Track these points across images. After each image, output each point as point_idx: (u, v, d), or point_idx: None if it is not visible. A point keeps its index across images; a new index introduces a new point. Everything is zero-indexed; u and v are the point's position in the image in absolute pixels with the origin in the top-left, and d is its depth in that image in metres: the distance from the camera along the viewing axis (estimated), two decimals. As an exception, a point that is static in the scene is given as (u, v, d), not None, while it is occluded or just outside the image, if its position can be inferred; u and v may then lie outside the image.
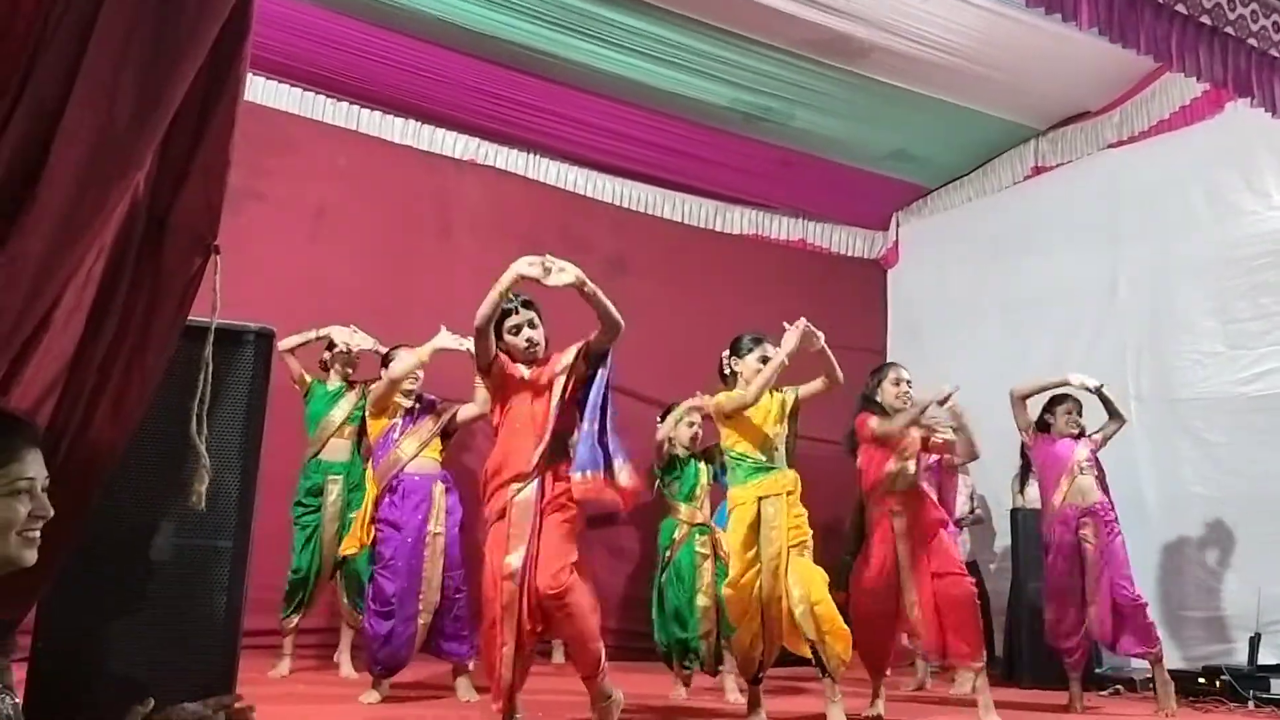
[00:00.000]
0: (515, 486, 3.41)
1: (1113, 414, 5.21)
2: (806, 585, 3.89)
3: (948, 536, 4.63)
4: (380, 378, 4.71)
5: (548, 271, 3.36)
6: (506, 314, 3.58)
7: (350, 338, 5.18)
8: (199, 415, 2.02)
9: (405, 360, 4.55)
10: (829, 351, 4.02)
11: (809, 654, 3.93)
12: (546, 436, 3.44)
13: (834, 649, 3.89)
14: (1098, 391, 5.12)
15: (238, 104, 1.89)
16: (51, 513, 1.57)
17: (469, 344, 4.07)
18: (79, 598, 2.44)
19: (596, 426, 3.42)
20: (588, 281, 3.39)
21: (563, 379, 3.49)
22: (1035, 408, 5.33)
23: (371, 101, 6.93)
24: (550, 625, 3.43)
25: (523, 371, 3.57)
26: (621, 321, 3.46)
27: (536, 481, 3.42)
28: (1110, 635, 5.07)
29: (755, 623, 3.97)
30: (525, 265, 3.38)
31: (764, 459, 4.05)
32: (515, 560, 3.35)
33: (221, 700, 1.67)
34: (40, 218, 1.63)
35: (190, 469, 2.07)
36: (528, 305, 3.62)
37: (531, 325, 3.59)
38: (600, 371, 3.50)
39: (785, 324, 4.08)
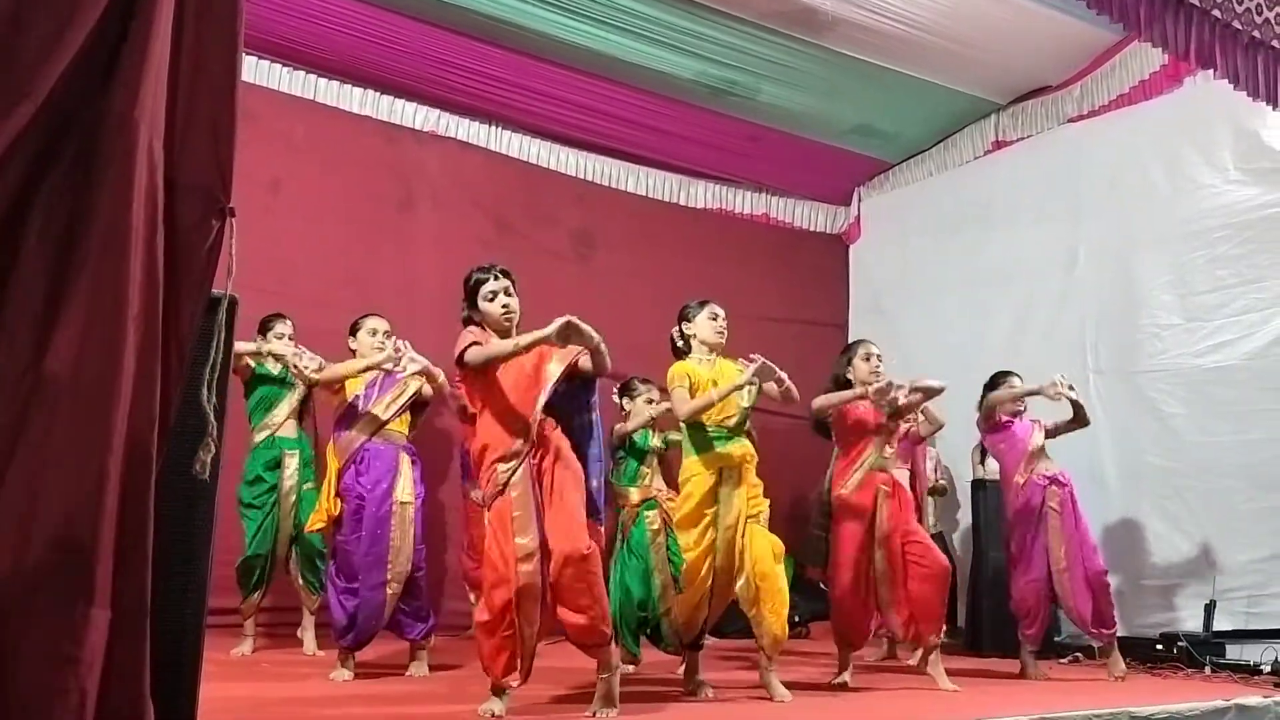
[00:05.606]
0: (506, 466, 3.34)
1: (1080, 420, 5.21)
2: (756, 557, 3.90)
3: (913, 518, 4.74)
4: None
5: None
6: (482, 281, 3.53)
7: (294, 359, 4.84)
8: (210, 383, 1.92)
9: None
10: (790, 385, 3.97)
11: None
12: (535, 418, 3.39)
13: (770, 624, 3.88)
14: (1074, 402, 5.13)
15: (237, 53, 1.81)
16: None
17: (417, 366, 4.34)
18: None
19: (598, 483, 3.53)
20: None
21: (550, 382, 3.43)
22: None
23: (329, 71, 6.76)
24: (563, 595, 3.26)
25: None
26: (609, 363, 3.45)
27: (527, 462, 3.36)
28: (1081, 609, 5.13)
29: (705, 587, 3.97)
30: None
31: (724, 430, 4.03)
32: (529, 542, 3.27)
33: None
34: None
35: (196, 437, 1.97)
36: (505, 274, 3.57)
37: (508, 293, 3.53)
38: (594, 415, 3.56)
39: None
